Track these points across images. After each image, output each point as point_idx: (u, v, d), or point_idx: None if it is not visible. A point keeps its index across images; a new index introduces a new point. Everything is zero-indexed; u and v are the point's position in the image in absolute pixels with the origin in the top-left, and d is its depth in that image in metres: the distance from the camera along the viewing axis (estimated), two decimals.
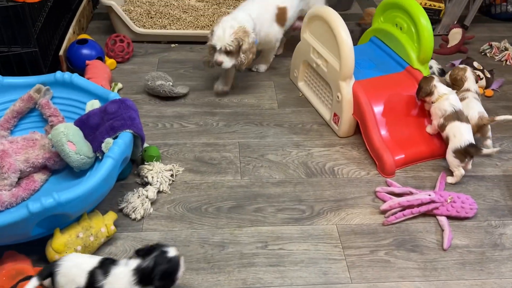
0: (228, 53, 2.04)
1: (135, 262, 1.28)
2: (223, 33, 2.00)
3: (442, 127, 1.87)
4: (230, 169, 1.90)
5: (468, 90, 2.04)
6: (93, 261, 1.32)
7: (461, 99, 1.98)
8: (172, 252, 1.29)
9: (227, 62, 2.06)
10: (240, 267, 1.53)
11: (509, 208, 1.77)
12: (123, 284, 1.26)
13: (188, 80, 2.40)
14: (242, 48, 2.04)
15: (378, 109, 1.96)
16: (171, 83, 2.23)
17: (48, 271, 1.31)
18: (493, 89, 2.38)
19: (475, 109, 1.95)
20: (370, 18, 2.45)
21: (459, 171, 1.84)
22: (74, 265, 1.31)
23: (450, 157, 1.84)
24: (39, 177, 1.68)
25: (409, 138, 1.96)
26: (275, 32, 2.29)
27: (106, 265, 1.31)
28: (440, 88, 1.89)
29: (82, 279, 1.28)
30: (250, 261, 1.55)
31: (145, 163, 1.84)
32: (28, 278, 1.37)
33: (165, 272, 1.26)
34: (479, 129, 1.93)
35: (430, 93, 1.89)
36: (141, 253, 1.30)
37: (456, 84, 2.08)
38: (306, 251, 1.59)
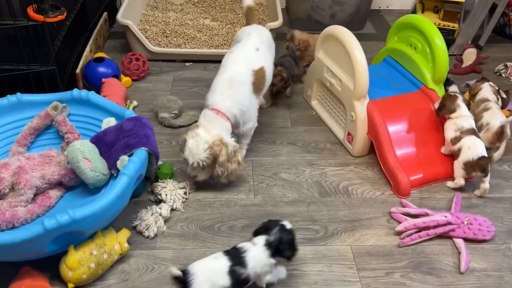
0: (202, 167, 1.75)
1: (261, 239, 1.42)
2: (196, 147, 1.70)
3: (456, 139, 1.87)
4: (243, 188, 1.90)
5: (487, 100, 2.05)
6: (221, 261, 1.39)
7: (485, 110, 2.02)
8: (288, 224, 1.46)
9: (201, 176, 1.79)
10: None
11: None
12: (263, 261, 1.40)
13: (201, 99, 2.40)
14: (219, 161, 1.71)
15: (393, 128, 1.95)
16: (174, 115, 2.22)
17: None
18: (509, 110, 2.36)
19: (498, 119, 1.97)
20: (298, 41, 2.39)
21: (459, 181, 1.88)
22: (207, 274, 1.37)
23: (459, 167, 1.86)
24: (54, 193, 1.70)
25: (425, 159, 1.94)
26: (254, 110, 1.92)
27: (237, 256, 1.40)
28: (462, 109, 1.91)
29: (226, 281, 1.36)
30: None
31: (159, 180, 1.85)
32: None
33: (291, 241, 1.43)
34: (498, 138, 1.94)
35: (453, 111, 1.90)
36: (261, 231, 1.45)
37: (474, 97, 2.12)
38: (320, 272, 1.57)
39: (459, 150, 1.85)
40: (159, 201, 1.79)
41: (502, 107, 2.36)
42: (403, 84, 2.15)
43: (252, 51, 1.92)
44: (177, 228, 1.72)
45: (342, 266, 1.59)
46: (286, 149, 2.11)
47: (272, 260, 1.41)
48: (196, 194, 1.86)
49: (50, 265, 1.49)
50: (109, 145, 1.69)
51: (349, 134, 2.06)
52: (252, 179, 1.94)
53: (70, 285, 1.45)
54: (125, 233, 1.59)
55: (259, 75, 1.88)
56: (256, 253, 1.41)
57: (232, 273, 1.37)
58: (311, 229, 1.72)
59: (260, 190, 1.89)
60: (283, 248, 1.41)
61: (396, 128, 1.96)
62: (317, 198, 1.86)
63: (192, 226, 1.73)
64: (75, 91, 1.85)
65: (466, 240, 1.67)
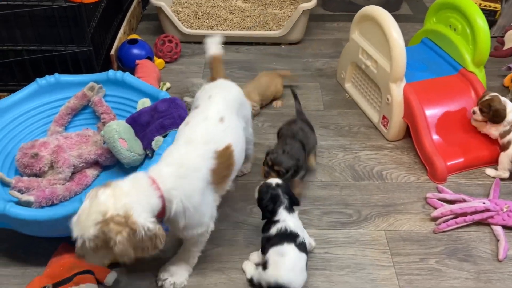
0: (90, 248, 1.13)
1: (283, 211, 1.45)
2: (86, 217, 1.12)
3: (505, 133, 1.82)
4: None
5: None
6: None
7: None
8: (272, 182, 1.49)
9: (91, 259, 1.18)
10: None
11: None
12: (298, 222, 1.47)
13: (234, 80, 2.40)
14: (113, 247, 1.11)
15: (430, 112, 1.90)
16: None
17: None
18: None
19: None
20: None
21: (504, 174, 1.83)
22: None
23: (506, 160, 1.81)
24: (91, 172, 1.73)
25: (463, 143, 1.89)
26: (209, 210, 1.36)
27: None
28: (508, 104, 1.84)
29: None
30: None
31: None
32: (86, 272, 1.41)
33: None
34: None
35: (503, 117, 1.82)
36: (270, 206, 1.48)
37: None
38: (353, 256, 1.56)
39: (509, 143, 1.80)
40: None
41: None
42: (441, 67, 2.08)
43: (214, 123, 1.39)
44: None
45: (375, 250, 1.57)
46: (318, 133, 2.07)
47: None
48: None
49: None
50: (144, 126, 1.71)
51: (384, 117, 2.02)
52: None
53: None
54: None
55: (223, 157, 1.34)
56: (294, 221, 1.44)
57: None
58: (344, 213, 1.71)
59: None
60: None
61: (433, 112, 1.91)
62: (350, 182, 1.83)
63: (224, 208, 1.72)
64: (111, 72, 1.87)
65: (505, 227, 1.62)
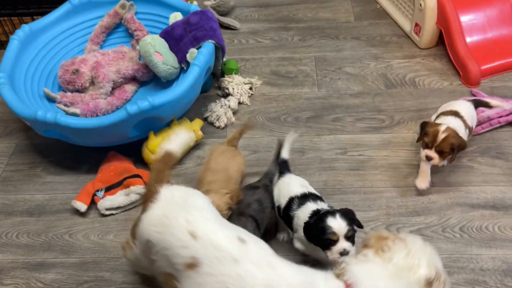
0: None
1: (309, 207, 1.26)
2: None
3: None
4: (307, 82, 1.92)
5: None
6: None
7: None
8: None
9: None
10: (321, 171, 1.59)
11: None
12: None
13: None
14: None
15: (464, 16, 1.86)
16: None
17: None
18: None
19: None
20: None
21: None
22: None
23: None
24: (129, 87, 1.80)
25: (497, 47, 1.86)
26: None
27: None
28: None
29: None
30: (330, 165, 1.60)
31: (225, 76, 1.90)
32: (135, 176, 1.52)
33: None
34: None
35: None
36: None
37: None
38: (386, 157, 1.61)
39: None
40: (226, 95, 1.85)
41: None
42: None
43: None
44: (245, 120, 1.79)
45: (408, 151, 1.62)
46: (349, 44, 2.07)
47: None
48: (261, 89, 1.91)
49: (133, 151, 1.62)
50: (177, 40, 1.74)
51: (416, 25, 1.98)
52: (316, 73, 1.95)
53: None
54: (198, 122, 1.68)
55: None
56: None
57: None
58: (376, 119, 1.74)
59: (324, 84, 1.90)
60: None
61: (468, 16, 1.87)
62: (383, 89, 1.85)
63: (259, 118, 1.79)
64: None
65: None
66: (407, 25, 2.06)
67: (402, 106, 1.77)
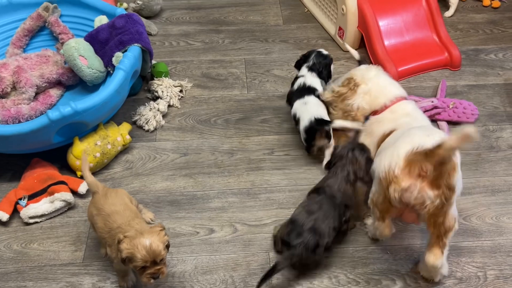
0: None
1: (305, 67, 1.69)
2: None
3: None
4: (237, 84, 1.96)
5: None
6: None
7: None
8: (324, 51, 1.73)
9: None
10: (249, 171, 1.64)
11: (508, 114, 1.83)
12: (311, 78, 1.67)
13: None
14: None
15: (383, 21, 1.97)
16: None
17: None
18: (500, 0, 2.34)
19: None
20: None
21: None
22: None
23: None
24: (54, 92, 1.76)
25: (413, 49, 1.98)
26: None
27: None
28: None
29: None
30: (257, 165, 1.66)
31: (155, 79, 1.90)
32: (60, 182, 1.49)
33: (327, 64, 1.72)
34: None
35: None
36: (300, 62, 1.73)
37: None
38: (310, 156, 1.68)
39: None
40: (156, 98, 1.86)
41: None
42: None
43: None
44: (175, 122, 1.81)
45: None
46: (278, 47, 2.14)
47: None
48: (191, 92, 1.93)
49: (58, 157, 1.60)
50: (103, 43, 1.72)
51: (340, 28, 2.08)
52: (245, 76, 2.00)
53: (79, 173, 1.56)
54: (126, 126, 1.68)
55: None
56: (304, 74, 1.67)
57: None
58: None
59: (253, 86, 1.95)
60: (321, 69, 1.69)
61: (386, 20, 1.98)
62: None
63: (189, 120, 1.81)
64: None
65: (450, 123, 1.77)
66: (332, 29, 2.16)
67: None
